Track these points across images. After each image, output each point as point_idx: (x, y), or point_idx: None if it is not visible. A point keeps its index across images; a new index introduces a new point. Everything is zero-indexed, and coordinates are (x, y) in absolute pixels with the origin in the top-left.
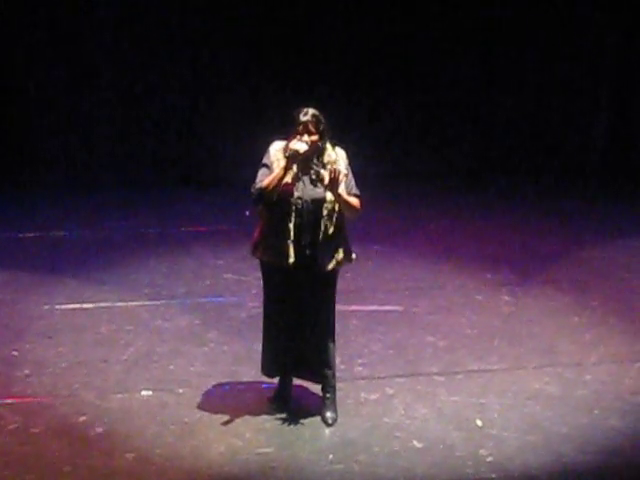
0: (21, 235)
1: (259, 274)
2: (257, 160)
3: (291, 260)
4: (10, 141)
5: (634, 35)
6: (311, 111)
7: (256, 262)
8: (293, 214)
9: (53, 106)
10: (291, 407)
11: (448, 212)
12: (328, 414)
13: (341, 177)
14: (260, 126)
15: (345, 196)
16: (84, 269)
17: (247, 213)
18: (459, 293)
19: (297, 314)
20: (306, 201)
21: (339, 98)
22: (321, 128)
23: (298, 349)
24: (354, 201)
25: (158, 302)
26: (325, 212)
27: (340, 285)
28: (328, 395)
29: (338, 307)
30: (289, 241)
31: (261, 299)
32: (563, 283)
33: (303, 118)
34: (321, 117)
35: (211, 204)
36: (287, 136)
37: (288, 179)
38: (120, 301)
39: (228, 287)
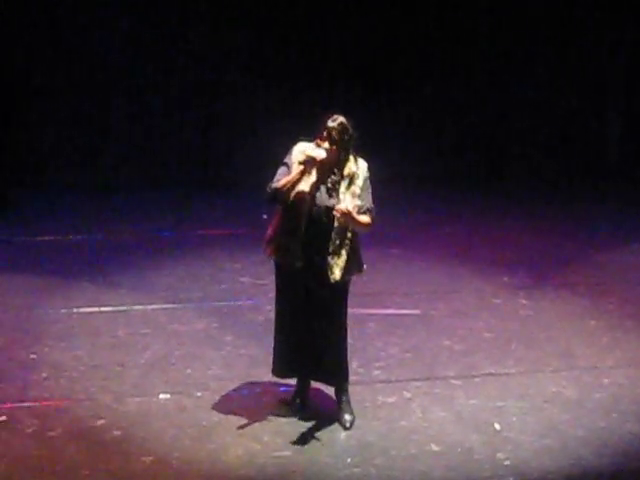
0: (38, 239)
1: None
2: (274, 163)
3: (299, 264)
4: (28, 144)
5: None
6: (340, 119)
7: (272, 266)
8: (305, 219)
9: (71, 109)
10: (309, 410)
11: (465, 216)
12: (346, 417)
13: (349, 210)
14: (278, 129)
15: (356, 217)
16: (101, 272)
17: (264, 216)
18: (476, 297)
19: (307, 317)
20: (320, 208)
21: (359, 100)
22: (345, 138)
23: (310, 351)
24: (364, 220)
25: (175, 305)
26: (337, 223)
27: (357, 288)
28: (343, 398)
29: (355, 311)
30: (299, 246)
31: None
32: (580, 286)
33: (330, 124)
34: (349, 127)
35: (228, 207)
36: (313, 138)
37: (305, 185)
38: (137, 304)
39: (245, 290)
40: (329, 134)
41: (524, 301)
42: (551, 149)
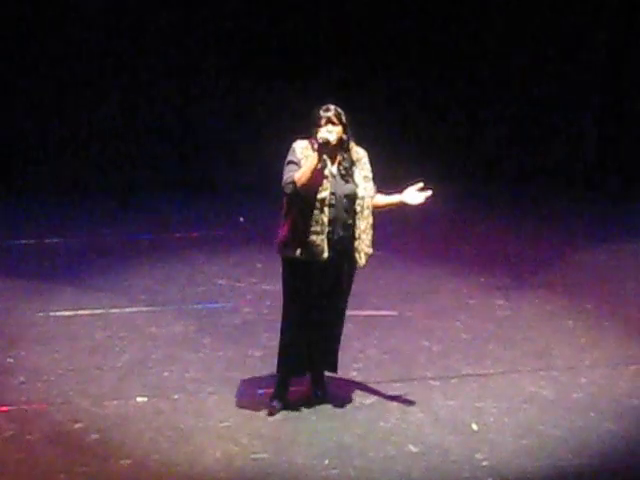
0: (15, 242)
1: (253, 279)
2: (250, 166)
3: (325, 255)
4: (3, 147)
5: (624, 34)
6: (332, 106)
7: (250, 268)
8: (327, 209)
9: (47, 111)
10: (289, 407)
11: (442, 217)
12: (320, 392)
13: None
14: (255, 132)
15: (384, 202)
16: (79, 276)
17: (241, 219)
18: (454, 297)
19: (320, 308)
20: (339, 196)
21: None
22: (345, 121)
23: (318, 345)
24: (393, 200)
25: (153, 308)
26: (359, 208)
27: None
28: (323, 379)
29: None
30: (323, 236)
31: (255, 304)
32: (557, 287)
33: (326, 113)
34: (342, 112)
35: (205, 210)
36: (308, 135)
37: (320, 174)
38: (115, 308)
39: (223, 293)
40: (329, 121)
41: (501, 301)
42: (527, 151)
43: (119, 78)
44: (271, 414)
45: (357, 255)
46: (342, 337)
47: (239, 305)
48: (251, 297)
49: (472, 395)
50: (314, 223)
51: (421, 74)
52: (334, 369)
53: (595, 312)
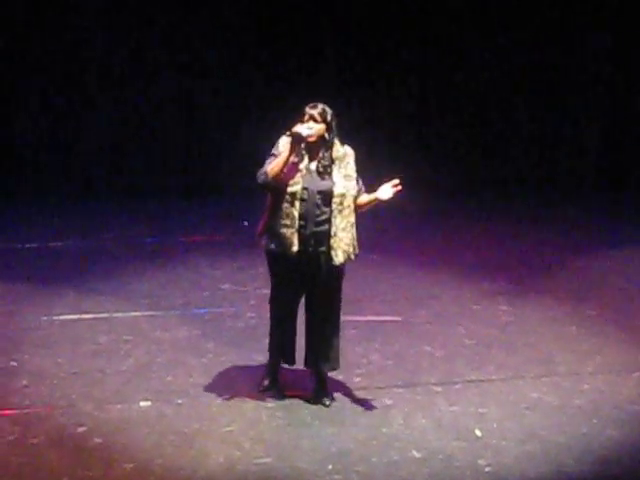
0: (19, 246)
1: (257, 284)
2: (256, 168)
3: (295, 249)
4: (5, 151)
5: (628, 40)
6: (320, 105)
7: (254, 272)
8: (298, 203)
9: (50, 116)
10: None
11: (445, 222)
12: (325, 399)
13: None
14: (259, 136)
15: (364, 200)
16: (82, 280)
17: (245, 223)
18: (456, 303)
19: (305, 304)
20: (312, 192)
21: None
22: (329, 119)
23: (307, 339)
24: (370, 198)
25: (157, 313)
26: (334, 206)
27: None
28: (325, 381)
29: None
30: (293, 230)
31: (259, 309)
32: (560, 293)
33: (310, 110)
34: (330, 111)
35: (209, 214)
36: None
37: (295, 168)
38: (118, 312)
39: (226, 297)
40: (311, 117)
41: (504, 307)
42: (531, 156)
43: (124, 82)
44: (261, 391)
45: (333, 253)
46: (344, 342)
47: (243, 310)
48: (255, 302)
49: (475, 401)
50: (285, 216)
51: (430, 76)
52: (331, 368)
53: (598, 318)
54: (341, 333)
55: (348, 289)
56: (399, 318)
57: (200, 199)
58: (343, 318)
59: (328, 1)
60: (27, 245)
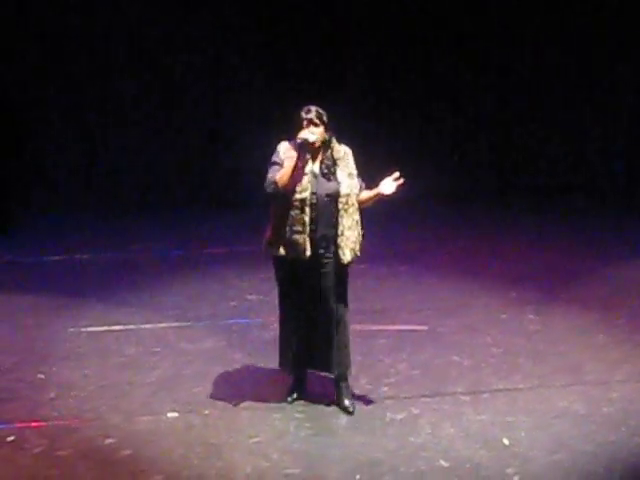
0: (46, 259)
1: None
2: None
3: (308, 253)
4: (35, 165)
5: None
6: (314, 108)
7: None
8: (308, 209)
9: (79, 131)
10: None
11: (473, 231)
12: (346, 402)
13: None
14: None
15: (365, 196)
16: (109, 292)
17: None
18: (484, 312)
19: (313, 307)
20: (320, 195)
21: (361, 117)
22: (325, 120)
23: (316, 342)
24: (371, 194)
25: (184, 324)
26: (340, 206)
27: (366, 305)
28: (344, 385)
29: (364, 327)
30: (305, 235)
31: None
32: (589, 301)
33: (307, 115)
34: (324, 113)
35: (234, 225)
36: (292, 137)
37: (301, 173)
38: (146, 323)
39: (252, 308)
40: (310, 121)
41: (532, 316)
42: (559, 164)
43: (148, 94)
44: (290, 402)
45: (341, 252)
46: (372, 352)
47: (269, 320)
48: None
49: (503, 410)
50: (296, 223)
51: (446, 78)
52: (345, 371)
53: (627, 327)
54: (365, 341)
55: (376, 299)
56: (426, 328)
57: (226, 211)
58: (371, 328)
59: (328, 1)
60: (54, 257)
